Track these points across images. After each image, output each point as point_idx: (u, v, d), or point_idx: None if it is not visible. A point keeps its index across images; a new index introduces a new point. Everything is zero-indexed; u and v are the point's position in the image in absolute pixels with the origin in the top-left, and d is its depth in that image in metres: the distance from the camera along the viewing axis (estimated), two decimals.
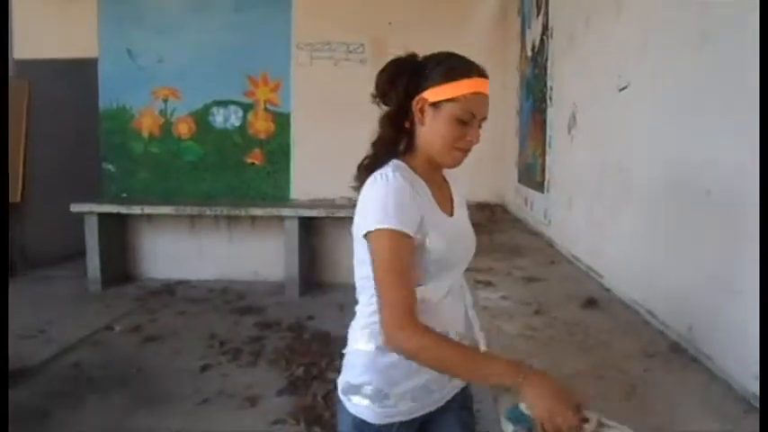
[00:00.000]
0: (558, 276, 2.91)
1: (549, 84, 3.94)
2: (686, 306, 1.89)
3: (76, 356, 4.28)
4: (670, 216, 2.06)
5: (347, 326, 1.49)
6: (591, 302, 2.36)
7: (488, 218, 5.14)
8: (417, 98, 1.31)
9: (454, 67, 1.30)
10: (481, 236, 1.74)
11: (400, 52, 1.40)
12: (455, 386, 1.47)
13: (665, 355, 1.83)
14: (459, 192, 1.51)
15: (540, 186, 4.17)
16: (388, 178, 1.26)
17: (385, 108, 1.39)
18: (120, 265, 6.39)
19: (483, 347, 1.86)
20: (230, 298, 5.84)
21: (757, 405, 1.44)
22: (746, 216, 1.52)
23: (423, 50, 1.44)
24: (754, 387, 1.47)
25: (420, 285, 1.28)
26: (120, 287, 6.14)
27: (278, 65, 6.22)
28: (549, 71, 3.96)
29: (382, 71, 1.38)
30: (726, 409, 1.46)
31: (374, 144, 1.39)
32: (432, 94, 1.29)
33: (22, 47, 6.39)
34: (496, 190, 6.13)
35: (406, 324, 1.15)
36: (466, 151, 1.33)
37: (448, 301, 1.38)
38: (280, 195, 6.40)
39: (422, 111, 1.32)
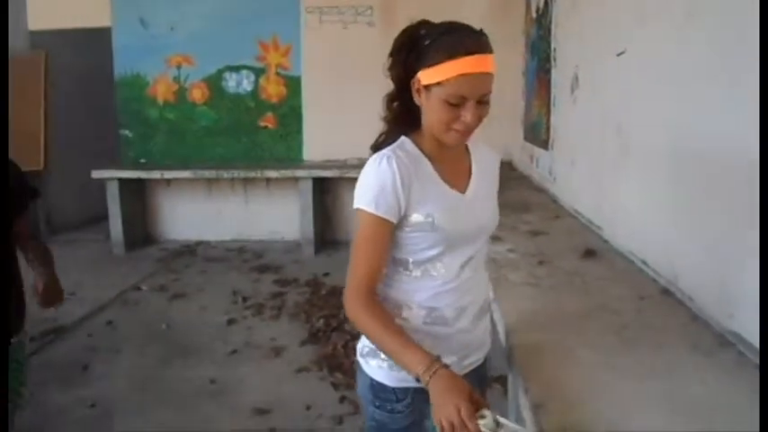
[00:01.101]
0: (561, 230, 3.11)
1: (552, 45, 4.07)
2: (675, 256, 2.09)
3: (109, 315, 4.55)
4: (664, 176, 2.24)
5: None
6: (590, 253, 2.56)
7: None
8: (413, 79, 1.28)
9: (441, 47, 1.21)
10: None
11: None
12: (471, 363, 1.48)
13: (656, 297, 2.04)
14: (484, 159, 1.48)
15: (544, 144, 4.33)
16: (379, 162, 1.28)
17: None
18: (141, 227, 6.64)
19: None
20: (249, 257, 6.09)
21: (731, 340, 1.66)
22: (732, 180, 1.70)
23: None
24: (728, 325, 1.68)
25: (432, 262, 1.36)
26: (143, 249, 6.40)
27: (288, 29, 6.30)
28: (553, 33, 4.08)
29: (393, 42, 1.32)
30: (703, 344, 1.67)
31: (385, 122, 1.39)
32: (423, 77, 1.25)
33: (37, 18, 6.50)
34: (504, 147, 6.26)
35: (355, 297, 1.30)
36: (464, 132, 1.28)
37: (465, 275, 1.40)
38: (293, 157, 6.56)
39: (419, 92, 1.28)
